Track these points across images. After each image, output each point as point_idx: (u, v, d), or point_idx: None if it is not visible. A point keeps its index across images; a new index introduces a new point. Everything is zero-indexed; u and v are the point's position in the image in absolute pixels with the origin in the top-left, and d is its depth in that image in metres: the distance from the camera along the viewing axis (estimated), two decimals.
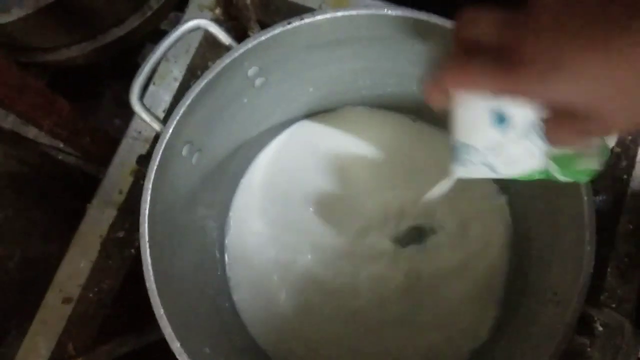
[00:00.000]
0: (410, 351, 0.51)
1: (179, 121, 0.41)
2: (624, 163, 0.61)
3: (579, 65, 0.24)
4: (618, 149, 0.61)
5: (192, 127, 0.43)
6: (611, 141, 0.32)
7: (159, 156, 0.39)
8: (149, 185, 0.39)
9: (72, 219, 0.62)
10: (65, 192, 0.88)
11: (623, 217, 0.59)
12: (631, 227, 0.59)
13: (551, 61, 0.24)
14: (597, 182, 0.62)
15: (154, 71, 0.65)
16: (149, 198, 0.39)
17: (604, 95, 0.24)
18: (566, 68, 0.24)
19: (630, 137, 0.62)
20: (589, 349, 0.54)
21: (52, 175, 0.88)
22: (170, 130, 0.40)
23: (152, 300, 0.38)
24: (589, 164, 0.32)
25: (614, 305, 0.57)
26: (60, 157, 0.93)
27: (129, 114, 0.53)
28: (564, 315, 0.35)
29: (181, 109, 0.41)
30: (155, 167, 0.39)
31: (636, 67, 0.23)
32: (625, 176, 0.61)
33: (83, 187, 0.71)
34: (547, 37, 0.25)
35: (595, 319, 0.41)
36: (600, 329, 0.50)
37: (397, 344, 0.52)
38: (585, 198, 0.36)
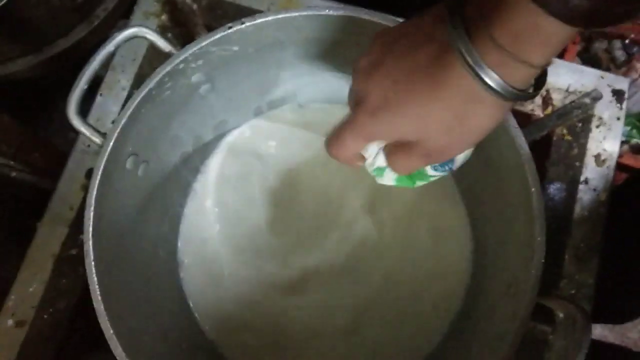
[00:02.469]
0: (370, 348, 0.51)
1: (120, 133, 0.39)
2: (575, 151, 0.62)
3: (403, 107, 0.31)
4: (569, 137, 0.62)
5: (136, 139, 0.42)
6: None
7: (100, 171, 0.38)
8: (91, 201, 0.38)
9: (28, 237, 0.60)
10: (20, 210, 0.85)
11: (577, 204, 0.60)
12: (586, 213, 0.60)
13: (382, 105, 0.31)
14: (551, 171, 0.63)
15: (100, 81, 0.64)
16: (92, 215, 0.37)
17: (427, 129, 0.31)
18: (393, 109, 0.31)
19: (580, 124, 0.63)
20: (550, 337, 0.55)
21: (4, 193, 0.85)
22: (111, 144, 0.39)
23: (100, 320, 0.37)
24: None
25: (573, 291, 0.58)
26: (13, 175, 0.90)
27: None
28: (518, 308, 0.35)
29: (122, 121, 0.39)
30: (97, 183, 0.38)
31: (448, 107, 0.29)
32: (577, 163, 0.62)
33: (38, 204, 0.69)
34: (378, 87, 0.32)
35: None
36: (561, 316, 0.51)
37: (348, 346, 0.52)
38: (533, 189, 0.36)
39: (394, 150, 0.34)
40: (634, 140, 1.17)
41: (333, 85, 0.53)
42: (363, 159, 0.37)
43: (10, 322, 0.56)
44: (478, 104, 0.29)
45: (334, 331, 0.53)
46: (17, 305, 0.57)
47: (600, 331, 1.18)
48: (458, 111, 0.29)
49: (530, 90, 0.30)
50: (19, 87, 0.89)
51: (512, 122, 0.38)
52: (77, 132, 0.42)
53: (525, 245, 0.37)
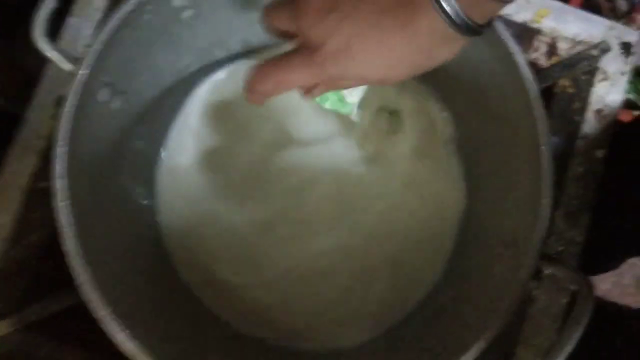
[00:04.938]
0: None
1: (94, 60, 0.35)
2: (577, 104, 0.59)
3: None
4: (572, 90, 0.60)
5: (112, 67, 0.38)
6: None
7: (71, 103, 0.34)
8: (61, 136, 0.34)
9: None
10: None
11: (574, 159, 0.59)
12: (581, 169, 0.59)
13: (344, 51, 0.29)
14: (550, 124, 0.60)
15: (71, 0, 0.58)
16: (62, 151, 0.34)
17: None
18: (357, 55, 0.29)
19: (584, 78, 0.60)
20: (535, 292, 0.55)
21: None
22: (84, 72, 0.35)
23: (72, 265, 0.34)
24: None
25: (561, 248, 0.57)
26: None
27: None
28: (518, 272, 0.34)
29: (96, 46, 0.35)
30: (68, 116, 0.34)
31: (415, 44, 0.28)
32: (577, 118, 0.59)
33: (8, 129, 0.65)
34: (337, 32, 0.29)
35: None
36: (548, 272, 0.50)
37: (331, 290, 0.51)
38: (543, 148, 0.34)
39: None
40: (627, 96, 1.14)
41: None
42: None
43: None
44: (447, 40, 0.28)
45: (313, 274, 0.51)
46: None
47: None
48: (423, 47, 0.28)
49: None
50: None
51: (527, 72, 0.35)
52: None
53: (528, 204, 0.35)
